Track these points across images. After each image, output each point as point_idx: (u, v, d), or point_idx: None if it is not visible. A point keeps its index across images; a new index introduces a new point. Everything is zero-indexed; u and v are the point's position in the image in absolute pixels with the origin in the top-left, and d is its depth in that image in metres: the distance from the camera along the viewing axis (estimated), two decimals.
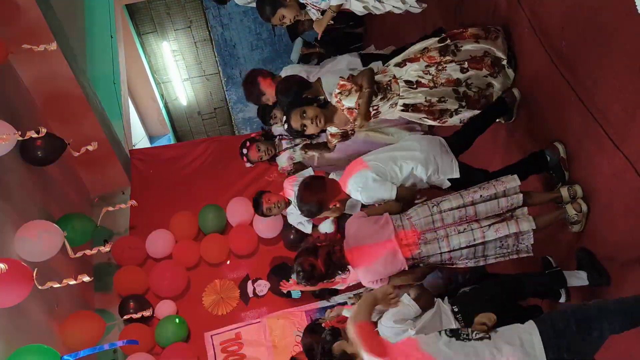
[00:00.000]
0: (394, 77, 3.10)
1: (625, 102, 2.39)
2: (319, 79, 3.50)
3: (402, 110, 3.11)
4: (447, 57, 3.09)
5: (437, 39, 3.18)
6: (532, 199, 2.71)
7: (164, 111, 9.28)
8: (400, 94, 3.08)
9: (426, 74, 3.08)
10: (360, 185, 2.82)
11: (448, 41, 3.14)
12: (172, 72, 8.96)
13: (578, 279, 2.80)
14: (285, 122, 3.11)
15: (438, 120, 3.13)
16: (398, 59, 3.20)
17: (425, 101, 3.07)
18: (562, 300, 3.00)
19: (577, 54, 2.67)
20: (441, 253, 2.61)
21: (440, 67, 3.08)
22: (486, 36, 3.16)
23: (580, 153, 2.81)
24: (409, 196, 2.83)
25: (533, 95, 3.14)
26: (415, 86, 3.09)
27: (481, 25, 3.22)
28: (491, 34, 3.19)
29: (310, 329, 3.27)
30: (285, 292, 4.93)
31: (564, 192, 2.84)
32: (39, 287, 3.22)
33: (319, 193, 2.85)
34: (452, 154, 2.87)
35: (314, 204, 2.85)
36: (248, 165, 4.45)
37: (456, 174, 2.84)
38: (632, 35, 2.25)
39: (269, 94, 3.85)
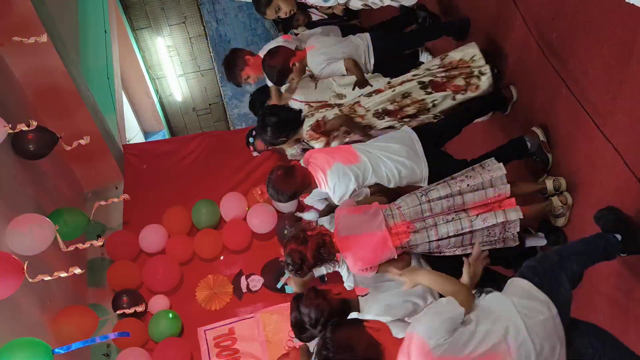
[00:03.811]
0: (369, 125, 3.18)
1: (615, 93, 2.39)
2: (304, 51, 3.46)
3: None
4: (423, 115, 3.15)
5: (420, 85, 3.14)
6: (518, 189, 2.73)
7: (158, 107, 9.27)
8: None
9: (400, 122, 3.16)
10: (339, 195, 2.88)
11: (429, 89, 3.12)
12: (167, 68, 8.94)
13: (537, 238, 3.02)
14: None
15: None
16: (377, 104, 3.17)
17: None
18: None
19: (568, 45, 2.67)
20: (429, 242, 2.64)
21: (414, 118, 3.16)
22: (466, 88, 3.11)
23: (570, 145, 2.81)
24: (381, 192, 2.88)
25: (524, 86, 3.15)
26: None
27: (466, 73, 3.13)
28: (472, 84, 3.10)
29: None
30: (278, 287, 4.95)
31: (549, 184, 2.88)
32: (30, 280, 3.21)
33: (294, 184, 2.89)
34: (425, 160, 2.87)
35: (289, 193, 2.91)
36: (255, 154, 4.39)
37: (424, 183, 2.88)
38: (621, 25, 2.25)
39: (249, 74, 3.81)
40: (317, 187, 2.96)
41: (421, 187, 2.84)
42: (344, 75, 3.44)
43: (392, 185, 2.89)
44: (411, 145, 2.86)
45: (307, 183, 2.91)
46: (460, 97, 3.12)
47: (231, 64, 3.81)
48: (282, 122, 3.20)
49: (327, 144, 3.27)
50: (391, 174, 2.84)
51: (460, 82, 3.11)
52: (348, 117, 3.17)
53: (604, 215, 2.51)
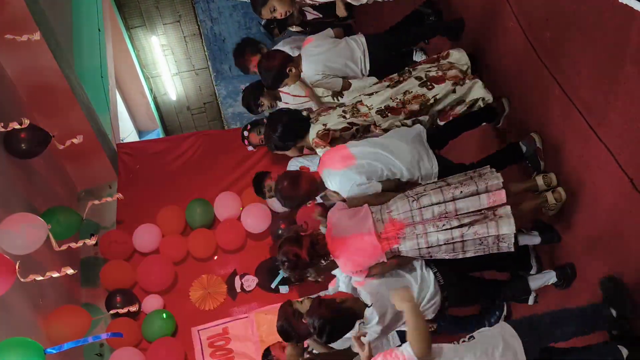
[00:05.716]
0: (374, 123, 3.16)
1: (608, 93, 2.40)
2: (299, 56, 3.48)
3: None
4: (428, 109, 3.11)
5: (419, 82, 3.13)
6: (509, 190, 2.72)
7: (152, 106, 9.24)
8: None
9: (404, 121, 3.13)
10: (345, 188, 2.87)
11: (428, 85, 3.10)
12: (161, 67, 8.90)
13: (531, 237, 3.01)
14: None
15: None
16: (380, 103, 3.15)
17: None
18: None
19: (561, 45, 2.67)
20: (419, 249, 2.63)
21: (419, 116, 3.13)
22: (464, 77, 3.12)
23: (564, 144, 2.82)
24: (391, 189, 2.86)
25: (518, 88, 3.15)
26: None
27: (459, 69, 3.15)
28: (468, 74, 3.14)
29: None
30: (272, 287, 4.94)
31: (539, 180, 2.90)
32: (22, 280, 3.19)
33: (301, 191, 2.92)
34: (434, 155, 2.88)
35: (298, 201, 2.95)
36: (250, 148, 4.42)
37: (434, 178, 2.87)
38: (614, 25, 2.26)
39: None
40: (325, 189, 2.97)
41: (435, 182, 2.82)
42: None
43: (405, 180, 2.89)
44: (419, 141, 2.88)
45: (314, 188, 2.94)
46: (460, 90, 3.09)
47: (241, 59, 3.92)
48: (291, 126, 3.16)
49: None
50: (399, 169, 2.85)
51: (455, 73, 3.12)
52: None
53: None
